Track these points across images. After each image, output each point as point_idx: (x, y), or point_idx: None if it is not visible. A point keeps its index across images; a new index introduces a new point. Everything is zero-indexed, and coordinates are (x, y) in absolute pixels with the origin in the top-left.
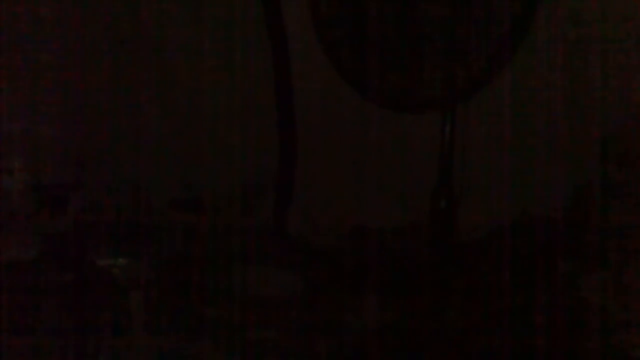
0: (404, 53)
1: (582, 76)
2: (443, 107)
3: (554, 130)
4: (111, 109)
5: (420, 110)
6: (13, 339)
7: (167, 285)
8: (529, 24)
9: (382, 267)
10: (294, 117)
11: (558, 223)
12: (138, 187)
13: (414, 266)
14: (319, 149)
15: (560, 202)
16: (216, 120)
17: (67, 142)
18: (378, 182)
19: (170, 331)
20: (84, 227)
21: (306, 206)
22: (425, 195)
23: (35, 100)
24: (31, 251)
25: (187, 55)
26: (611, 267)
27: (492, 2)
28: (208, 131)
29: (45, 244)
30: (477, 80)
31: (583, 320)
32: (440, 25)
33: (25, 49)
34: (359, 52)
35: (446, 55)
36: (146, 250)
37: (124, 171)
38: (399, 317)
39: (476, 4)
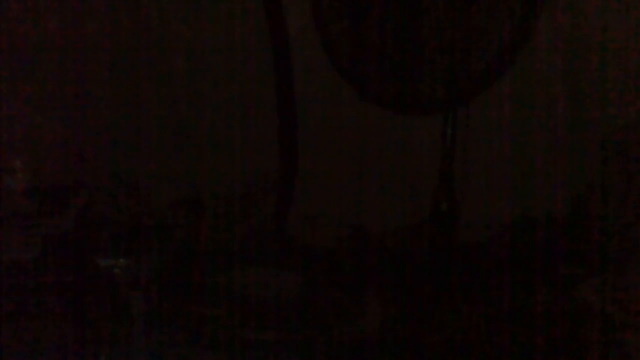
0: (405, 54)
1: (582, 77)
2: (444, 109)
3: (554, 131)
4: (112, 109)
5: (421, 112)
6: (13, 338)
7: (167, 285)
8: (530, 26)
9: (382, 269)
10: (296, 117)
11: (558, 224)
12: (138, 187)
13: (414, 267)
14: (319, 150)
15: (560, 203)
16: (217, 121)
17: (68, 142)
18: (378, 183)
19: (170, 331)
20: (85, 227)
21: (306, 207)
22: (425, 196)
23: (36, 100)
24: (32, 251)
25: (187, 55)
26: (611, 268)
27: (493, 4)
28: (208, 131)
29: (46, 244)
30: (479, 82)
31: (583, 321)
32: (441, 27)
33: (26, 49)
34: (360, 53)
35: (447, 57)
36: (146, 251)
37: (124, 171)
38: (398, 318)
39: (477, 6)
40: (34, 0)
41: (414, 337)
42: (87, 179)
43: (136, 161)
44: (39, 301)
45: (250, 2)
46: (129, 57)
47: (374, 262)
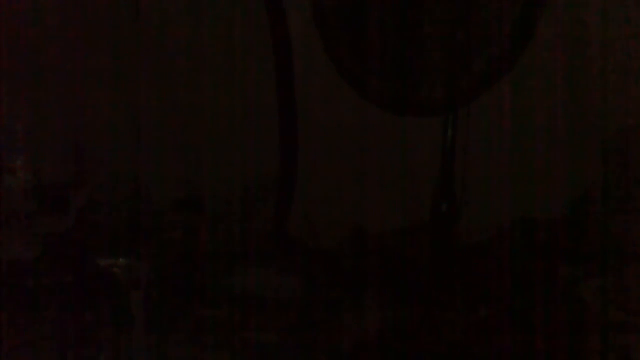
0: (406, 55)
1: (582, 76)
2: (444, 110)
3: (554, 132)
4: (112, 109)
5: (421, 113)
6: (13, 339)
7: (167, 285)
8: (530, 26)
9: (382, 270)
10: (296, 117)
11: (558, 226)
12: (138, 187)
13: (414, 269)
14: (319, 151)
15: (560, 204)
16: (217, 121)
17: (68, 141)
18: (378, 184)
19: (170, 331)
20: (85, 226)
21: (306, 208)
22: (426, 197)
23: (37, 99)
24: (32, 251)
25: (188, 55)
26: (611, 269)
27: (493, 4)
28: (209, 131)
29: (46, 243)
30: (479, 82)
31: (582, 322)
32: (442, 28)
33: (26, 48)
34: (360, 53)
35: (448, 58)
36: (146, 251)
37: (124, 171)
38: (398, 319)
39: (478, 7)
40: (35, 0)
41: (414, 338)
42: (87, 178)
43: (136, 161)
44: (38, 301)
45: (251, 2)
46: (129, 57)
47: (374, 263)
